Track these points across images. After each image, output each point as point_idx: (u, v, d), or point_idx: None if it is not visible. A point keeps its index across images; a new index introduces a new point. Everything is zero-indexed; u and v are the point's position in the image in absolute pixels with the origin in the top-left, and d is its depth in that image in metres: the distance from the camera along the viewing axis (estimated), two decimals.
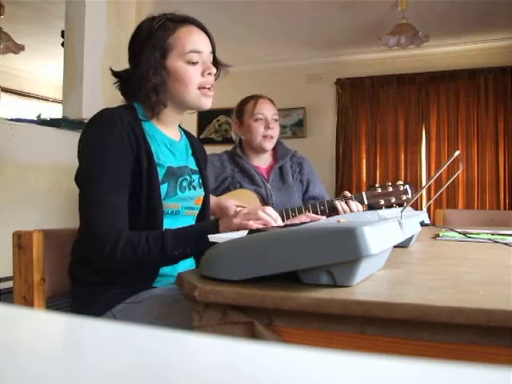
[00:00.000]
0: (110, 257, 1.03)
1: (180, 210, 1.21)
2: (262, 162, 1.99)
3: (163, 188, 1.15)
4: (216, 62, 1.26)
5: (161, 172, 1.15)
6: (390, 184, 1.73)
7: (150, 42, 1.15)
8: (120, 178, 1.09)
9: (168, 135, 1.24)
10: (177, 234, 1.07)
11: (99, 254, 1.04)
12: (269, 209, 1.11)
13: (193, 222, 1.29)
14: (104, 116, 1.13)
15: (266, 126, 1.91)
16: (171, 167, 1.19)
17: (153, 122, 1.21)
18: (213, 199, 1.51)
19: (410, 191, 1.71)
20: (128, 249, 1.03)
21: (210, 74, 1.20)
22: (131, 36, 1.23)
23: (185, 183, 1.22)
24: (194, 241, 1.05)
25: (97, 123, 1.13)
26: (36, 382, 0.16)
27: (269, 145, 1.94)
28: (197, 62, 1.18)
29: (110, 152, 1.09)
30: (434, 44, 4.87)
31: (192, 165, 1.30)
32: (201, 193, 1.30)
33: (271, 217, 1.09)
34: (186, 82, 1.17)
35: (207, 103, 1.21)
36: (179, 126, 1.33)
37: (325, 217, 1.15)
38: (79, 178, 1.14)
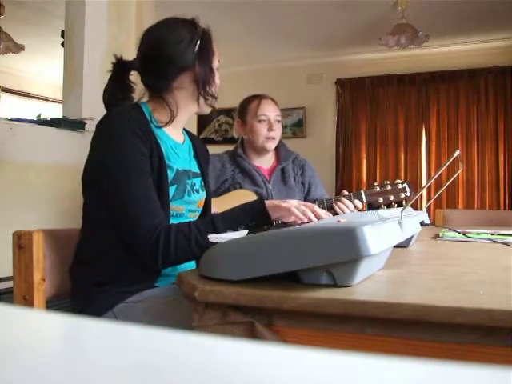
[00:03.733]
0: (165, 252, 1.04)
1: (184, 212, 1.22)
2: (264, 162, 1.99)
3: (171, 190, 1.16)
4: None
5: (170, 174, 1.16)
6: (388, 183, 1.73)
7: (206, 52, 1.21)
8: (145, 172, 1.09)
9: (173, 138, 1.24)
10: (224, 215, 1.10)
11: (153, 252, 1.04)
12: (322, 211, 1.13)
13: None
14: (115, 115, 1.13)
15: (269, 128, 1.91)
16: (179, 170, 1.20)
17: (159, 124, 1.20)
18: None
19: (408, 189, 1.71)
20: (181, 239, 1.04)
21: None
22: (158, 38, 1.20)
23: (189, 187, 1.23)
24: (243, 220, 1.08)
25: (109, 123, 1.13)
26: (36, 382, 0.16)
27: (271, 146, 1.93)
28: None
29: (130, 148, 1.09)
30: (434, 44, 4.87)
31: (194, 167, 1.31)
32: (203, 195, 1.31)
33: (319, 214, 1.11)
34: (217, 86, 1.26)
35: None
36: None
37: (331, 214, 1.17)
38: (102, 179, 1.11)
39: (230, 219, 1.08)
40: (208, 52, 1.22)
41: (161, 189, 1.12)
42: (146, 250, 1.05)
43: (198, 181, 1.29)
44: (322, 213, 1.11)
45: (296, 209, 1.09)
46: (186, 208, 1.22)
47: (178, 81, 1.20)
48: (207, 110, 1.29)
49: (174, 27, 1.21)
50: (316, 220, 1.09)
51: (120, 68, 1.25)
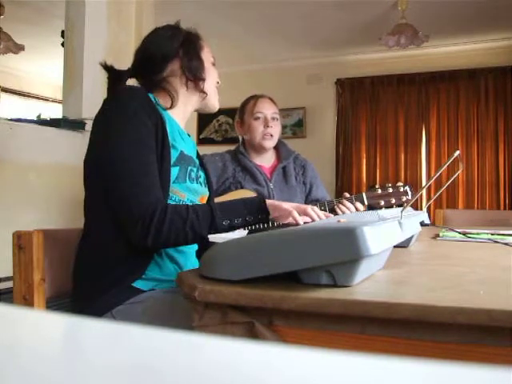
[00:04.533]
0: (158, 229, 1.01)
1: (186, 201, 1.21)
2: (265, 161, 1.99)
3: (174, 170, 1.16)
4: None
5: (174, 154, 1.16)
6: (389, 185, 1.74)
7: (191, 44, 1.27)
8: (148, 146, 1.09)
9: (180, 124, 1.28)
10: (224, 205, 1.09)
11: (144, 228, 1.02)
12: (321, 212, 1.13)
13: None
14: (120, 92, 1.16)
15: (266, 125, 1.92)
16: (184, 152, 1.21)
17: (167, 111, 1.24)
18: None
19: (409, 192, 1.71)
20: (177, 219, 1.03)
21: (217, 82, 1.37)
22: (145, 43, 1.29)
23: (193, 174, 1.23)
24: (242, 212, 1.07)
25: (112, 100, 1.15)
26: (36, 382, 0.16)
27: (268, 143, 1.94)
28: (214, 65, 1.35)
29: (133, 122, 1.09)
30: (434, 44, 4.87)
31: (199, 162, 1.33)
32: (205, 192, 1.32)
33: (318, 216, 1.10)
34: (213, 79, 1.33)
35: (218, 104, 1.39)
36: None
37: (332, 215, 1.17)
38: (102, 157, 1.10)
39: (229, 210, 1.07)
40: (192, 42, 1.28)
41: (162, 167, 1.11)
42: (138, 224, 1.02)
43: (202, 174, 1.31)
44: (321, 213, 1.11)
45: (296, 212, 1.09)
46: (187, 197, 1.21)
47: (167, 70, 1.26)
48: (203, 99, 1.32)
49: (158, 31, 1.30)
50: (317, 219, 1.09)
51: (115, 77, 1.28)
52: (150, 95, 1.22)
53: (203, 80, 1.28)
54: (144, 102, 1.13)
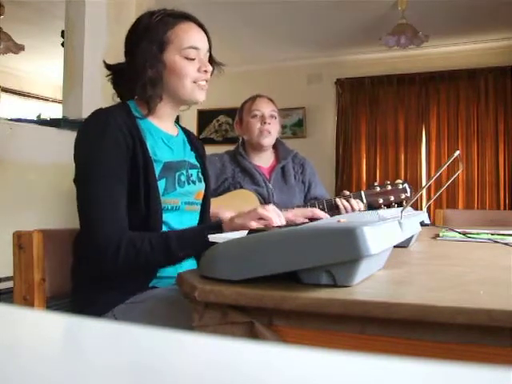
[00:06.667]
0: (113, 260, 1.03)
1: (180, 205, 1.21)
2: (264, 161, 2.00)
3: (161, 184, 1.15)
4: (211, 60, 1.28)
5: (158, 168, 1.15)
6: (388, 183, 1.74)
7: (149, 35, 1.17)
8: (117, 178, 1.09)
9: (164, 130, 1.24)
10: (180, 235, 1.08)
11: (102, 257, 1.04)
12: (270, 206, 1.10)
13: (194, 218, 1.29)
14: (97, 117, 1.14)
15: (263, 122, 1.93)
16: (168, 162, 1.19)
17: (148, 118, 1.21)
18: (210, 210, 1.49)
19: (408, 190, 1.71)
20: (131, 251, 1.03)
21: (205, 71, 1.22)
22: (129, 29, 1.23)
23: (183, 178, 1.22)
24: (197, 242, 1.05)
25: (90, 125, 1.14)
26: (36, 382, 0.16)
27: (266, 140, 1.93)
28: (194, 59, 1.20)
29: (105, 153, 1.09)
30: (434, 44, 4.87)
31: (191, 159, 1.30)
32: (200, 187, 1.30)
33: (273, 214, 1.07)
34: (182, 76, 1.19)
35: (201, 96, 1.23)
36: (176, 122, 1.34)
37: (327, 215, 1.15)
38: (77, 181, 1.14)
39: (184, 239, 1.07)
40: (151, 42, 1.17)
41: (148, 184, 1.11)
42: (95, 255, 1.05)
43: (194, 172, 1.28)
44: (271, 215, 1.07)
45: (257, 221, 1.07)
46: (181, 200, 1.21)
47: (136, 63, 1.18)
48: (179, 97, 1.23)
49: (136, 23, 1.22)
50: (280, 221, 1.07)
51: (115, 73, 1.27)
52: (132, 104, 1.21)
53: (158, 97, 1.20)
54: (116, 127, 1.10)
